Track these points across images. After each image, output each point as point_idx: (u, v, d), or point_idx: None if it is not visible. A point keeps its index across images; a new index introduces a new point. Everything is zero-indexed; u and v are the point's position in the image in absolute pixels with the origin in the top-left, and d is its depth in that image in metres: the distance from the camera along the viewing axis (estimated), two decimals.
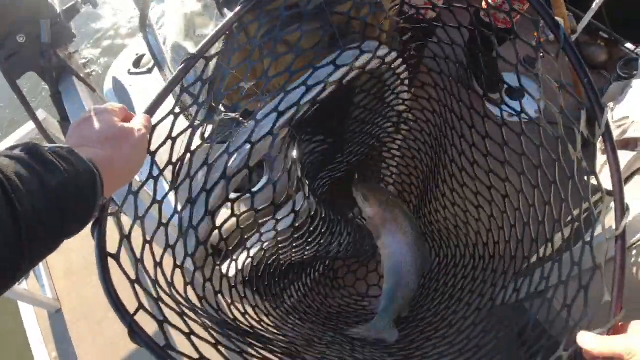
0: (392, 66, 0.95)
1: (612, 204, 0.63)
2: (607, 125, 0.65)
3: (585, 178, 0.70)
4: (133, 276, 0.57)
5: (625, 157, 1.10)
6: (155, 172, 0.65)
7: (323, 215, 0.95)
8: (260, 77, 0.79)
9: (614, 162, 0.64)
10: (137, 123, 0.57)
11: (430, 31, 0.98)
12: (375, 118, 1.08)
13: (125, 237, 0.61)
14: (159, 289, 0.62)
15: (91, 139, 0.50)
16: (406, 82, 1.03)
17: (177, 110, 0.70)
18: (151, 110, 0.65)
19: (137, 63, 1.47)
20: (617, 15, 2.04)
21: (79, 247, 1.85)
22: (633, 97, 1.16)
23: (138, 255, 0.62)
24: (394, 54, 0.91)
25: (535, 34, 0.80)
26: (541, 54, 0.76)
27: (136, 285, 0.57)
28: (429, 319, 1.13)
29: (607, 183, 0.66)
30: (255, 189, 0.78)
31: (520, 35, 0.74)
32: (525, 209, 0.86)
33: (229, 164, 0.72)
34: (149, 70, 1.43)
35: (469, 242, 1.15)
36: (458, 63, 0.95)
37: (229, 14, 0.87)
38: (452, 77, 0.98)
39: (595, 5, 1.94)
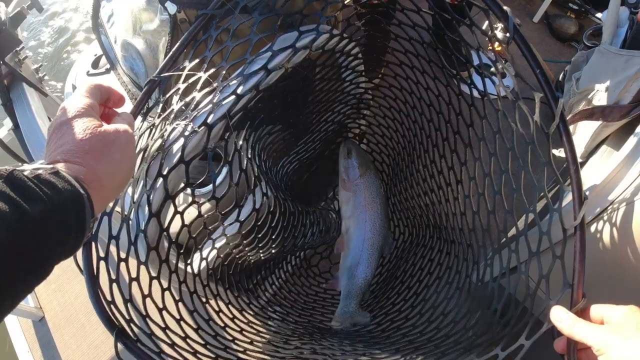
0: (345, 51, 0.93)
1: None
2: (562, 116, 0.63)
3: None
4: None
5: (591, 127, 1.08)
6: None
7: (284, 210, 0.93)
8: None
9: (570, 154, 0.62)
10: (120, 123, 0.52)
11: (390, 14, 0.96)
12: (334, 104, 1.06)
13: (102, 259, 0.61)
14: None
15: (73, 152, 0.45)
16: (361, 66, 1.01)
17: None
18: None
19: (95, 64, 1.45)
20: None
21: None
22: (597, 65, 1.13)
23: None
24: (345, 41, 0.89)
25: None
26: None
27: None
28: (400, 304, 1.12)
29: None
30: (204, 190, 0.76)
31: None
32: (497, 185, 0.84)
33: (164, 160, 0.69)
34: (107, 70, 1.41)
35: (437, 222, 1.14)
36: (424, 43, 0.93)
37: (171, 7, 0.86)
38: (419, 55, 0.96)
39: None
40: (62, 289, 1.77)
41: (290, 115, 0.98)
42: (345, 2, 0.88)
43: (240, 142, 0.78)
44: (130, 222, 0.69)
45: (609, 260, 0.79)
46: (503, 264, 0.81)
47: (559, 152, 1.18)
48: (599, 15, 2.00)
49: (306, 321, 1.15)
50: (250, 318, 1.00)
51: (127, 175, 0.51)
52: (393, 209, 1.31)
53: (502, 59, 0.74)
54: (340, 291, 1.18)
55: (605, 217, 0.77)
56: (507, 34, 0.67)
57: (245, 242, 0.94)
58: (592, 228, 0.81)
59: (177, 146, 0.70)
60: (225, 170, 1.04)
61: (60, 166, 0.43)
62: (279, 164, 1.05)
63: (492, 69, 0.77)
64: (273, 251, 1.06)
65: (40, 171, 0.40)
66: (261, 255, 1.06)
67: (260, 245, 0.98)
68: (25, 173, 0.39)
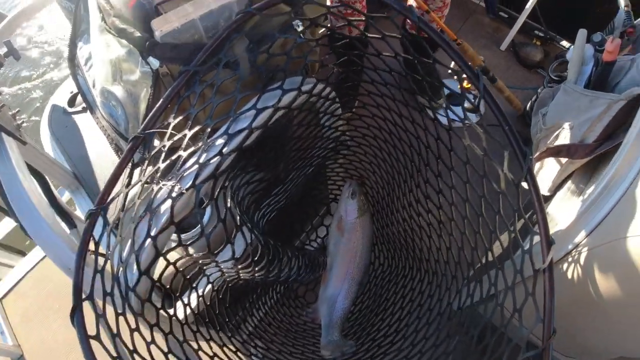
0: (322, 95, 0.96)
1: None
2: (530, 171, 0.67)
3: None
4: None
5: (558, 163, 1.14)
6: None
7: (267, 251, 0.95)
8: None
9: (537, 205, 0.67)
10: None
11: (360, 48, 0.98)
12: (313, 147, 1.08)
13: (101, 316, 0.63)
14: None
15: None
16: (338, 110, 1.04)
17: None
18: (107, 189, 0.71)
19: (71, 102, 1.43)
20: (553, 13, 2.12)
21: (33, 291, 1.81)
22: (562, 103, 1.19)
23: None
24: (320, 86, 0.92)
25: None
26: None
27: None
28: (385, 329, 1.18)
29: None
30: (188, 242, 0.77)
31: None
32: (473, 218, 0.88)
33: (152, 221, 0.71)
34: (84, 109, 1.40)
35: (417, 255, 1.19)
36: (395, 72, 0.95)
37: (153, 62, 0.87)
38: (393, 86, 0.99)
39: (529, 5, 2.01)
40: (40, 326, 1.74)
41: (269, 162, 1.00)
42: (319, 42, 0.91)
43: (229, 201, 0.80)
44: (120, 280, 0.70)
45: (579, 297, 0.84)
46: (482, 293, 0.85)
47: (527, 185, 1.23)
48: (564, 43, 2.10)
49: (295, 352, 1.18)
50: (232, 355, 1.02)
51: None
52: (376, 241, 1.35)
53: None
54: (319, 323, 1.22)
55: (572, 258, 0.82)
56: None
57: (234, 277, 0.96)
58: (564, 266, 0.86)
59: (165, 207, 0.72)
60: (208, 213, 1.05)
61: None
62: (260, 208, 1.07)
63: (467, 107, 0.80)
64: (257, 284, 1.08)
65: None
66: (246, 287, 1.08)
67: (243, 278, 1.00)
68: None
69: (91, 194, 1.26)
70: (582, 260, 0.79)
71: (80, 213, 1.38)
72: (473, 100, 0.76)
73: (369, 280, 1.33)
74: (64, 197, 1.65)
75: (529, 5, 2.00)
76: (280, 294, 1.42)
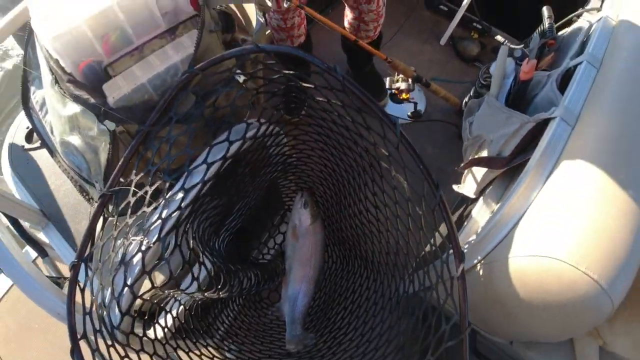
0: (267, 134, 1.07)
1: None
2: (442, 202, 0.81)
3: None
4: None
5: (481, 170, 1.30)
6: None
7: (228, 277, 1.07)
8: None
9: (450, 230, 0.80)
10: None
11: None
12: (262, 173, 1.20)
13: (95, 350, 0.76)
14: None
15: None
16: (283, 139, 1.15)
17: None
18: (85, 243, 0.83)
19: (29, 137, 1.48)
20: (489, 7, 2.26)
21: (11, 312, 1.87)
22: (485, 115, 1.34)
23: None
24: (263, 127, 1.03)
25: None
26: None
27: None
28: (339, 322, 1.34)
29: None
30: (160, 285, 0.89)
31: None
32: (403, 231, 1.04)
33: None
34: (42, 145, 1.45)
35: (363, 256, 1.34)
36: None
37: (109, 124, 0.96)
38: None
39: (465, 3, 2.14)
40: (23, 347, 1.81)
41: (223, 194, 1.11)
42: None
43: (191, 243, 0.91)
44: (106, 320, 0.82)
45: (488, 296, 1.01)
46: (420, 283, 1.00)
47: (457, 188, 1.40)
48: (498, 37, 2.24)
49: (264, 349, 1.32)
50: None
51: None
52: (328, 243, 1.49)
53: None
54: (284, 320, 1.36)
55: (481, 266, 0.99)
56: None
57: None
58: (476, 270, 1.03)
59: (136, 259, 0.83)
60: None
61: None
62: (219, 235, 1.18)
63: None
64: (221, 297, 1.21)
65: None
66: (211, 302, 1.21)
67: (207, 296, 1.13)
68: None
69: (60, 229, 1.34)
70: (488, 270, 0.96)
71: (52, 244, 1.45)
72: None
73: (324, 278, 1.48)
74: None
75: (466, 2, 2.12)
76: (245, 299, 1.55)
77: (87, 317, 0.79)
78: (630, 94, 1.12)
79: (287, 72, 0.91)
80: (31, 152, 1.46)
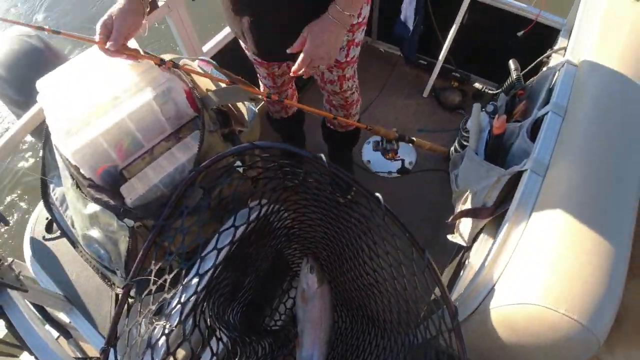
0: (269, 212, 1.18)
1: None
2: (430, 264, 0.90)
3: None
4: None
5: (470, 220, 1.39)
6: None
7: (241, 343, 1.15)
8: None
9: (440, 289, 0.90)
10: None
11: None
12: (267, 245, 1.30)
13: None
14: None
15: None
16: (285, 214, 1.26)
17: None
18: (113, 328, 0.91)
19: (49, 227, 1.60)
20: (464, 55, 2.43)
21: None
22: (467, 169, 1.46)
23: None
24: (265, 208, 1.14)
25: None
26: None
27: None
28: None
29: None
30: None
31: None
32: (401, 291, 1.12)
33: None
34: (61, 235, 1.57)
35: (368, 314, 1.41)
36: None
37: (128, 222, 1.07)
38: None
39: (442, 53, 2.31)
40: None
41: (233, 268, 1.21)
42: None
43: (208, 321, 1.01)
44: None
45: (486, 344, 1.08)
46: (423, 337, 1.07)
47: (451, 238, 1.49)
48: (477, 85, 2.40)
49: None
50: None
51: None
52: (336, 303, 1.57)
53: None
54: None
55: (476, 316, 1.07)
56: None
57: None
58: (472, 320, 1.10)
59: (161, 342, 0.92)
60: None
61: None
62: (232, 307, 1.27)
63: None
64: None
65: None
66: None
67: None
68: None
69: (83, 313, 1.43)
70: (483, 318, 1.04)
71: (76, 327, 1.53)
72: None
73: (335, 338, 1.54)
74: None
75: (443, 53, 2.29)
76: None
77: None
78: (592, 140, 1.23)
79: (280, 161, 1.03)
80: (51, 243, 1.57)
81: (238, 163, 1.08)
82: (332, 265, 1.50)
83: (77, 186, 1.10)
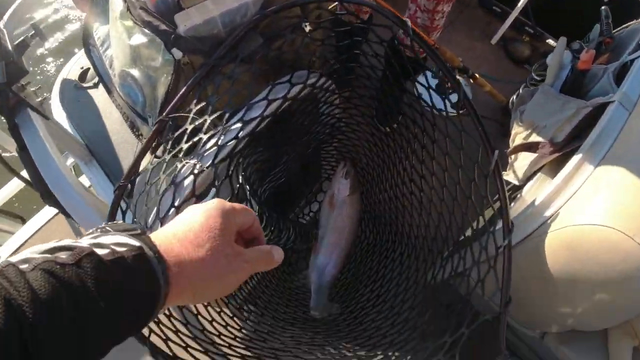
0: (324, 87, 1.07)
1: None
2: (497, 165, 0.79)
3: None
4: None
5: (530, 156, 1.27)
6: None
7: (269, 220, 1.08)
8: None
9: (502, 193, 0.79)
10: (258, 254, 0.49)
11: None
12: (311, 132, 1.20)
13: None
14: None
15: (196, 241, 0.42)
16: (336, 99, 1.15)
17: None
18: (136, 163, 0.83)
19: (82, 77, 1.52)
20: (543, 12, 2.23)
21: None
22: (539, 103, 1.32)
23: None
24: (322, 79, 1.03)
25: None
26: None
27: None
28: (367, 294, 1.32)
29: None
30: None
31: None
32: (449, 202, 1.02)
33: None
34: (96, 85, 1.49)
35: (399, 230, 1.32)
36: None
37: (177, 53, 0.97)
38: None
39: (521, 3, 2.12)
40: None
41: (274, 144, 1.12)
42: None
43: (240, 179, 0.92)
44: None
45: (535, 274, 0.99)
46: (453, 267, 0.99)
47: (505, 176, 1.37)
48: (551, 41, 2.21)
49: (289, 312, 1.32)
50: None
51: (212, 295, 0.45)
52: (363, 217, 1.48)
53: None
54: (309, 287, 1.35)
55: (531, 241, 0.96)
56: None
57: None
58: (523, 247, 1.00)
59: (187, 181, 0.83)
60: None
61: (154, 251, 0.39)
62: (263, 184, 1.19)
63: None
64: None
65: (125, 253, 0.37)
66: None
67: None
68: (103, 254, 0.36)
69: (104, 166, 1.37)
70: (538, 243, 0.94)
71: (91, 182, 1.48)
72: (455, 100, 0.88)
73: (355, 252, 1.47)
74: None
75: (521, 3, 2.11)
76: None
77: None
78: None
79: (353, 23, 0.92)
80: (82, 91, 1.49)
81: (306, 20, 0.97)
82: (369, 175, 1.40)
83: (128, 9, 1.00)
